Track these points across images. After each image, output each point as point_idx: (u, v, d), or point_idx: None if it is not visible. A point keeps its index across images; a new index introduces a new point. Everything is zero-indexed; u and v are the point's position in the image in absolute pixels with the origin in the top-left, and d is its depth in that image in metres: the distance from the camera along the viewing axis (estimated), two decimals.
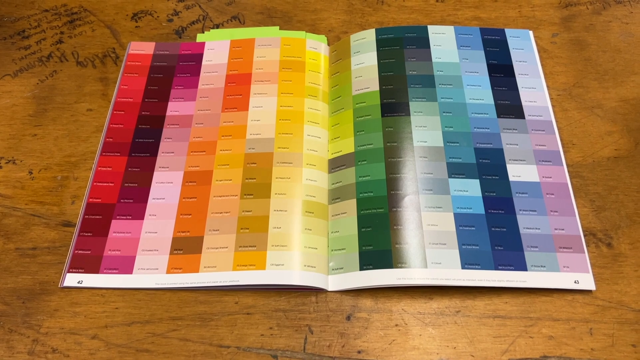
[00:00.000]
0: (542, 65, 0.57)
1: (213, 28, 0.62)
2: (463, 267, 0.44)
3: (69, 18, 0.63)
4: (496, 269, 0.44)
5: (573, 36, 0.61)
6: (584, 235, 0.47)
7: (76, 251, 0.47)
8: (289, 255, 0.46)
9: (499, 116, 0.52)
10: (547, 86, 0.56)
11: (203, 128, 0.54)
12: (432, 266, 0.44)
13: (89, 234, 0.48)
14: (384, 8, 0.64)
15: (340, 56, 0.58)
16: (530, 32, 0.58)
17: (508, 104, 0.53)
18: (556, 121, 0.53)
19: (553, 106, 0.55)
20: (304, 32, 0.60)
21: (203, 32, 0.61)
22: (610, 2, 0.63)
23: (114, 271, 0.46)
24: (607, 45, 0.60)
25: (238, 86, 0.56)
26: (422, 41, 0.57)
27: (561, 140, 0.52)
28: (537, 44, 0.59)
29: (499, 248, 0.45)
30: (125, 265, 0.46)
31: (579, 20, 0.62)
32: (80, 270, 0.46)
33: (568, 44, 0.60)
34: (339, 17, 0.63)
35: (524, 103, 0.53)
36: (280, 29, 0.61)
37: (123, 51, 0.60)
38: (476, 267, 0.44)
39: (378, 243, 0.46)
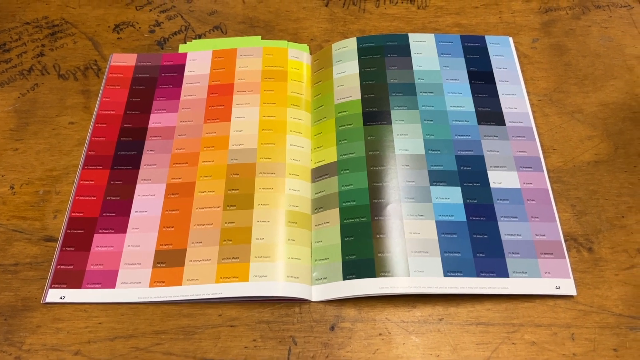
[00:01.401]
0: (522, 70, 0.58)
1: (195, 38, 0.62)
2: (445, 275, 0.45)
3: (50, 30, 0.63)
4: (478, 276, 0.45)
5: (553, 41, 0.61)
6: (565, 241, 0.48)
7: (58, 266, 0.47)
8: (272, 266, 0.46)
9: (479, 123, 0.53)
10: (528, 92, 0.56)
11: (185, 139, 0.54)
12: (415, 274, 0.44)
13: (71, 249, 0.47)
14: (366, 16, 0.64)
15: (322, 65, 0.58)
16: (510, 39, 0.59)
17: (489, 110, 0.53)
18: (537, 126, 0.54)
19: (534, 112, 0.55)
20: (286, 41, 0.61)
21: (185, 43, 0.61)
22: (590, 7, 0.64)
23: (97, 286, 0.46)
24: (586, 50, 0.60)
25: (220, 97, 0.56)
26: (403, 49, 0.57)
27: (542, 145, 0.53)
28: (518, 50, 0.59)
29: (481, 255, 0.46)
30: (108, 280, 0.46)
31: (558, 25, 0.63)
32: (62, 286, 0.46)
33: (548, 49, 0.60)
34: (321, 25, 0.63)
35: (504, 110, 0.54)
36: (262, 38, 0.62)
37: (105, 63, 0.60)
38: (458, 274, 0.45)
39: (361, 252, 0.46)
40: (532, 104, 0.56)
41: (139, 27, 0.63)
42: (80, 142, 0.55)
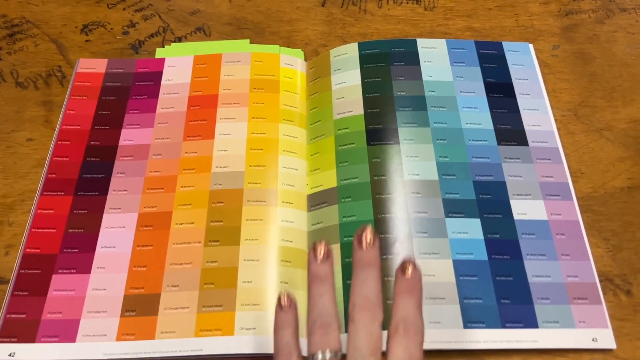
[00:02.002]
0: (544, 82, 0.51)
1: (175, 41, 0.55)
2: (465, 326, 0.38)
3: (8, 31, 0.55)
4: (503, 326, 0.38)
5: (575, 48, 0.55)
6: (600, 282, 0.41)
7: (8, 315, 0.39)
8: (261, 316, 0.39)
9: (499, 143, 0.46)
10: (551, 106, 0.50)
11: (161, 160, 0.46)
12: (430, 326, 0.38)
13: (25, 293, 0.40)
14: (367, 17, 0.57)
15: (319, 74, 0.51)
16: (530, 46, 0.52)
17: (509, 128, 0.47)
18: (563, 147, 0.48)
19: (558, 129, 0.49)
20: (278, 46, 0.54)
21: (163, 47, 0.54)
22: (614, 10, 0.58)
23: (54, 339, 0.38)
24: (613, 59, 0.54)
25: (202, 110, 0.49)
26: (410, 57, 0.50)
27: (569, 168, 0.47)
28: (538, 58, 0.53)
29: (506, 301, 0.39)
30: (68, 332, 0.39)
31: (581, 30, 0.56)
32: (12, 340, 0.38)
33: (570, 57, 0.54)
34: (317, 28, 0.56)
35: (526, 127, 0.47)
36: (251, 42, 0.54)
37: (71, 70, 0.53)
38: (480, 325, 0.38)
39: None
40: (555, 120, 0.49)
41: (111, 28, 0.56)
42: (39, 163, 0.47)
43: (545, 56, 0.54)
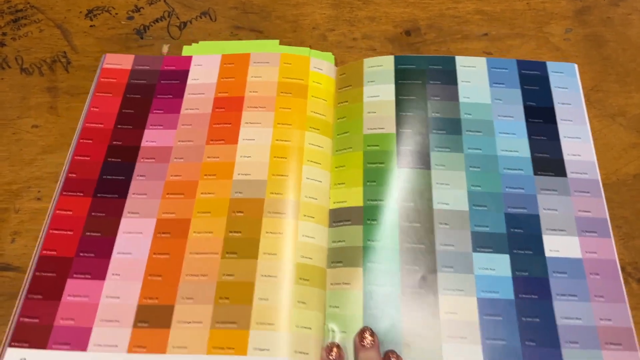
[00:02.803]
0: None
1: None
2: None
3: (12, 17, 0.54)
4: None
5: (589, 31, 0.53)
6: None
7: (21, 319, 0.39)
8: (276, 337, 0.38)
9: (536, 173, 0.44)
10: None
11: (183, 164, 0.45)
12: None
13: (39, 297, 0.39)
14: (375, 1, 0.55)
15: (349, 82, 0.49)
16: (575, 67, 0.50)
17: (547, 157, 0.45)
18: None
19: None
20: (308, 48, 0.52)
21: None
22: None
23: (65, 347, 0.38)
24: (627, 42, 0.52)
25: (227, 112, 0.48)
26: (448, 75, 0.48)
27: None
28: (550, 42, 0.51)
29: (531, 344, 0.38)
30: (79, 340, 0.38)
31: (594, 13, 0.54)
32: (24, 345, 0.38)
33: (583, 41, 0.52)
34: (325, 12, 0.55)
35: (566, 157, 0.45)
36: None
37: (75, 55, 0.52)
38: None
39: (387, 333, 0.38)
40: None
41: (116, 13, 0.55)
42: (45, 150, 0.46)
43: (558, 40, 0.52)
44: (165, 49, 0.51)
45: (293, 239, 0.42)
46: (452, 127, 0.46)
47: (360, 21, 0.54)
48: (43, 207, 0.44)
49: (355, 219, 0.42)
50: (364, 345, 0.37)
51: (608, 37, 0.53)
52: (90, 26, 0.54)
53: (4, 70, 0.51)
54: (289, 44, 0.52)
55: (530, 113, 0.46)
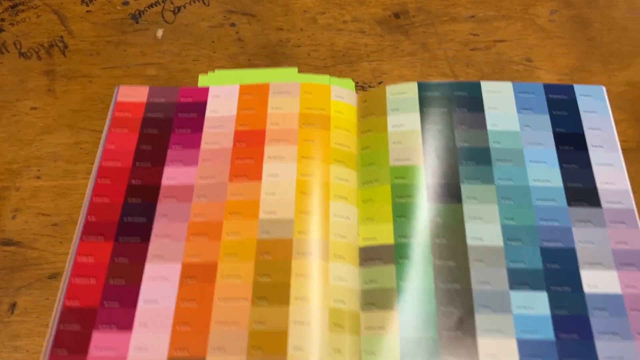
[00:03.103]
0: (540, 46, 0.52)
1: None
2: None
3: (10, 3, 0.56)
4: None
5: (574, 13, 0.54)
6: None
7: None
8: None
9: (569, 204, 0.43)
10: (547, 69, 0.50)
11: (206, 203, 0.44)
12: None
13: (64, 351, 0.38)
14: None
15: (372, 110, 0.48)
16: (604, 89, 0.48)
17: (580, 187, 0.43)
18: None
19: None
20: (328, 76, 0.50)
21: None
22: None
23: None
24: (611, 23, 0.53)
25: (249, 147, 0.46)
26: (474, 102, 0.47)
27: None
28: (535, 24, 0.52)
29: None
30: None
31: None
32: None
33: (569, 22, 0.53)
34: None
35: (599, 186, 0.44)
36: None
37: (72, 39, 0.53)
38: None
39: None
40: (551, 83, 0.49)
41: None
42: (44, 130, 0.48)
43: (543, 21, 0.53)
44: (159, 33, 0.52)
45: (324, 281, 0.40)
46: (481, 157, 0.44)
47: (350, 4, 0.55)
48: (42, 185, 0.46)
49: (386, 258, 0.41)
50: None
51: (593, 19, 0.54)
52: (87, 11, 0.55)
53: (3, 55, 0.52)
54: (280, 29, 0.52)
55: (560, 140, 0.45)
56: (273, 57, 0.53)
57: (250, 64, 0.52)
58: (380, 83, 0.51)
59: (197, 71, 0.51)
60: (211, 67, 0.52)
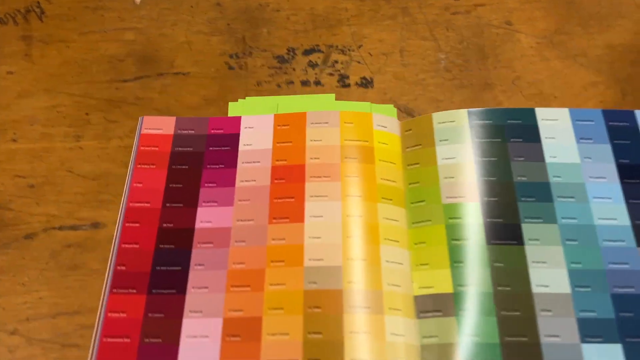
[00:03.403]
0: (520, 10, 0.52)
1: None
2: None
3: None
4: None
5: None
6: None
7: None
8: None
9: (639, 244, 0.40)
10: (526, 33, 0.50)
11: (245, 248, 0.40)
12: None
13: None
14: None
15: (419, 141, 0.44)
16: None
17: None
18: (535, 72, 0.48)
19: (531, 55, 0.49)
20: (369, 103, 0.47)
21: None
22: None
23: None
24: None
25: (288, 184, 0.43)
26: (529, 131, 0.44)
27: (541, 93, 0.47)
28: None
29: None
30: None
31: None
32: None
33: None
34: None
35: None
36: (336, 98, 0.47)
37: (49, 5, 0.53)
38: None
39: None
40: (530, 47, 0.50)
41: None
42: (20, 95, 0.48)
43: None
44: None
45: (381, 339, 0.37)
46: (541, 193, 0.41)
47: None
48: (19, 148, 0.46)
49: (446, 310, 0.38)
50: None
51: None
52: None
53: None
54: None
55: (625, 172, 0.42)
56: (252, 21, 0.51)
57: (229, 28, 0.51)
58: (360, 47, 0.49)
59: (175, 36, 0.51)
60: (190, 32, 0.51)
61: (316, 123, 0.45)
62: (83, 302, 0.40)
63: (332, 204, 0.42)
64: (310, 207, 0.42)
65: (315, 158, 0.44)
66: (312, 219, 0.41)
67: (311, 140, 0.45)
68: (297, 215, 0.42)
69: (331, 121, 0.45)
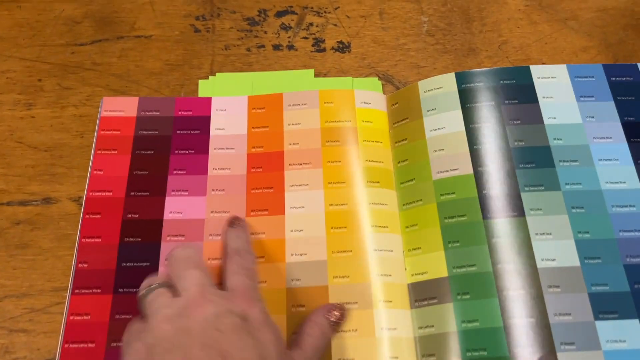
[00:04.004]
0: None
1: None
2: None
3: None
4: None
5: None
6: None
7: None
8: None
9: None
10: None
11: (221, 243, 0.37)
12: None
13: None
14: None
15: (406, 114, 0.40)
16: None
17: None
18: (523, 37, 0.45)
19: (519, 19, 0.46)
20: (350, 78, 0.43)
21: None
22: None
23: None
24: None
25: (266, 173, 0.39)
26: (525, 92, 0.40)
27: (529, 59, 0.44)
28: None
29: None
30: None
31: None
32: None
33: None
34: None
35: None
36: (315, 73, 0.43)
37: None
38: None
39: None
40: (517, 10, 0.46)
41: None
42: None
43: None
44: None
45: (371, 335, 0.33)
46: (541, 158, 0.37)
47: None
48: None
49: (442, 296, 0.34)
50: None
51: None
52: None
53: None
54: None
55: (631, 131, 0.38)
56: None
57: None
58: (336, 8, 0.46)
59: None
60: None
61: (294, 105, 0.41)
62: (32, 283, 0.36)
63: (314, 193, 0.38)
64: (291, 197, 0.38)
65: (294, 144, 0.40)
66: (293, 210, 0.38)
67: (289, 124, 0.41)
68: (276, 206, 0.38)
69: (310, 102, 0.41)
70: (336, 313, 0.33)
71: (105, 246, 0.37)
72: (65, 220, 0.38)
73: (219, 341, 0.27)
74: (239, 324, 0.28)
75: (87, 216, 0.38)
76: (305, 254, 0.36)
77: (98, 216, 0.38)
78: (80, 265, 0.36)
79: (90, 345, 0.34)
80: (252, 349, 0.27)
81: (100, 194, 0.38)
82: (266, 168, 0.39)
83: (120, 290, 0.35)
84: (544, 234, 0.35)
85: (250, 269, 0.33)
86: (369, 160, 0.39)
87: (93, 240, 0.37)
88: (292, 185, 0.38)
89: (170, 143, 0.40)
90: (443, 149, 0.38)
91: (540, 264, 0.34)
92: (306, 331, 0.32)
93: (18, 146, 0.41)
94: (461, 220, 0.36)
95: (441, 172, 0.37)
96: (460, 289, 0.34)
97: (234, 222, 0.36)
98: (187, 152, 0.40)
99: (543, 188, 0.36)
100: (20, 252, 0.37)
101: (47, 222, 0.38)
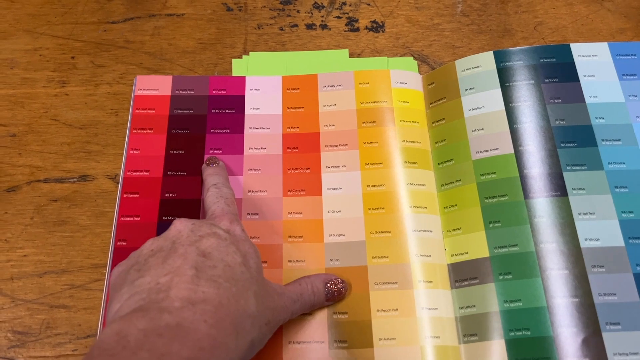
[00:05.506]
0: None
1: None
2: None
3: None
4: None
5: None
6: None
7: None
8: None
9: None
10: None
11: (259, 222, 0.37)
12: None
13: None
14: None
15: (443, 93, 0.40)
16: None
17: None
18: (559, 18, 0.44)
19: (556, 0, 0.45)
20: (386, 57, 0.42)
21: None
22: None
23: None
24: None
25: (302, 154, 0.39)
26: (565, 70, 0.39)
27: (565, 40, 0.43)
28: None
29: None
30: None
31: None
32: None
33: None
34: None
35: None
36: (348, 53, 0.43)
37: None
38: None
39: None
40: None
41: None
42: None
43: None
44: None
45: (412, 316, 0.33)
46: (583, 137, 0.37)
47: None
48: None
49: (483, 276, 0.34)
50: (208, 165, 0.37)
51: None
52: None
53: None
54: None
55: None
56: None
57: None
58: None
59: None
60: None
61: (329, 86, 0.41)
62: (71, 260, 0.36)
63: (351, 175, 0.38)
64: (328, 178, 0.38)
65: (330, 125, 0.40)
66: (330, 191, 0.37)
67: (324, 106, 0.40)
68: (314, 187, 0.38)
69: (345, 83, 0.41)
70: (334, 287, 0.33)
71: (144, 225, 0.37)
72: (102, 197, 0.38)
73: (198, 244, 0.28)
74: (222, 235, 0.29)
75: (125, 195, 0.38)
76: (344, 235, 0.36)
77: (136, 195, 0.38)
78: (119, 243, 0.36)
79: None
80: (234, 254, 0.28)
81: (137, 173, 0.38)
82: (302, 149, 0.39)
83: None
84: (587, 213, 0.35)
85: (229, 198, 0.34)
86: (406, 141, 0.39)
87: (132, 219, 0.37)
88: (329, 167, 0.38)
89: (205, 122, 0.40)
90: (482, 129, 0.38)
91: (583, 244, 0.34)
92: (298, 281, 0.33)
93: (53, 123, 0.41)
94: (502, 200, 0.35)
95: (481, 151, 0.37)
96: (502, 269, 0.33)
97: (212, 161, 0.37)
98: (222, 131, 0.40)
99: (585, 167, 0.36)
100: (58, 229, 0.37)
101: (84, 200, 0.38)
